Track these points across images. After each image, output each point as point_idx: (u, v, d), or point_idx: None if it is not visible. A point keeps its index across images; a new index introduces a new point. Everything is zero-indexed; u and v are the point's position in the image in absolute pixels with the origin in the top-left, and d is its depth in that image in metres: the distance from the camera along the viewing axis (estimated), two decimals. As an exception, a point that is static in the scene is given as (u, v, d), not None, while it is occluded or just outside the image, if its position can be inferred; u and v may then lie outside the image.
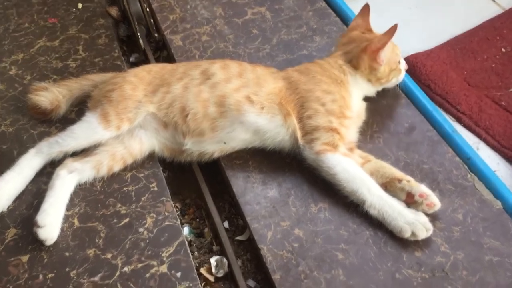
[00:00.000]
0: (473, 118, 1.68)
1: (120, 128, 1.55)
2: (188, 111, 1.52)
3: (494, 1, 2.10)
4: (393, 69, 1.59)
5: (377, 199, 1.38)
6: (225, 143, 1.54)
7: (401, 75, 1.64)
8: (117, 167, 1.56)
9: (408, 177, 1.42)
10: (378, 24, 1.95)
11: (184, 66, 1.65)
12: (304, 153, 1.49)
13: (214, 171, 1.66)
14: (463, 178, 1.48)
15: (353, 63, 1.58)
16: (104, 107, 1.56)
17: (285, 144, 1.54)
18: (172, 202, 1.53)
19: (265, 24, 2.01)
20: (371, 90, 1.65)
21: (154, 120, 1.57)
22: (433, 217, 1.40)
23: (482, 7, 2.09)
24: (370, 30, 1.65)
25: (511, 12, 2.01)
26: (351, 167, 1.43)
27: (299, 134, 1.49)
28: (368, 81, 1.60)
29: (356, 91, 1.60)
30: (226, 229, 1.54)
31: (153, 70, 1.66)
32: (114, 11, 2.25)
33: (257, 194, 1.50)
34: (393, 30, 1.49)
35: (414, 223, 1.34)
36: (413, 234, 1.34)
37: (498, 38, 1.92)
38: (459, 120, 1.70)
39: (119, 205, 1.51)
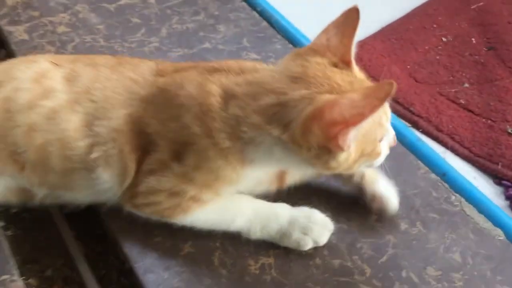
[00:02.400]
0: (432, 121, 1.33)
1: None
2: (23, 160, 0.94)
3: (421, -16, 1.81)
4: (366, 153, 0.88)
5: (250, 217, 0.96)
6: None
7: (379, 159, 0.93)
8: None
9: None
10: (294, 11, 1.56)
11: (10, 63, 1.05)
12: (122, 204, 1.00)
13: (88, 220, 1.09)
14: (446, 202, 1.09)
15: (289, 127, 0.83)
16: None
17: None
18: (21, 281, 0.94)
19: (148, 10, 1.49)
20: (301, 168, 0.99)
21: None
22: (425, 262, 0.98)
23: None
24: (347, 63, 0.88)
25: (441, -3, 1.74)
26: (216, 214, 0.97)
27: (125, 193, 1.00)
28: (306, 162, 0.89)
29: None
30: (117, 313, 0.98)
31: None
32: None
33: (163, 253, 0.97)
34: (383, 91, 0.76)
35: (309, 226, 0.96)
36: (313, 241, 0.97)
37: (435, 26, 1.62)
38: (415, 125, 1.34)
39: None
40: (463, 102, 1.38)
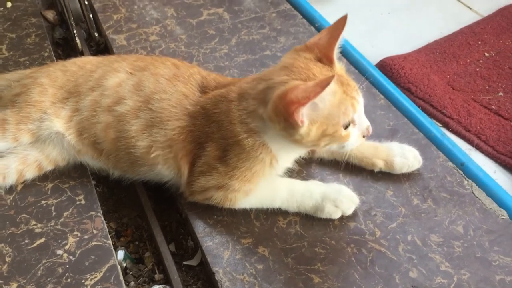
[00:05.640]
0: (462, 122, 1.46)
1: (18, 140, 1.24)
2: (100, 148, 1.22)
3: (471, 8, 1.96)
4: (328, 133, 1.03)
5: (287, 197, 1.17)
6: None
7: (349, 144, 1.07)
8: (30, 173, 1.24)
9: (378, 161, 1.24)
10: (346, 28, 1.75)
11: (104, 67, 1.28)
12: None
13: (159, 187, 1.35)
14: (459, 185, 1.24)
15: (267, 104, 1.03)
16: (5, 112, 1.24)
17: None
18: (102, 218, 1.21)
19: (223, 24, 1.77)
20: (296, 149, 1.16)
21: (64, 141, 1.24)
22: (430, 230, 1.14)
23: (458, 14, 1.94)
24: (330, 60, 1.06)
25: (490, 18, 1.86)
26: (258, 199, 1.18)
27: (185, 188, 1.20)
28: (282, 137, 1.07)
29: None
30: (172, 253, 1.22)
31: (70, 69, 1.30)
32: (50, 14, 1.98)
33: (210, 206, 1.20)
34: (326, 81, 0.94)
35: (340, 199, 1.15)
36: (342, 212, 1.17)
37: (479, 42, 1.75)
38: (446, 125, 1.48)
39: (34, 222, 1.18)
40: (494, 108, 1.49)
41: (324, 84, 0.93)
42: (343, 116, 1.02)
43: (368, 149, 1.25)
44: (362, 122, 1.07)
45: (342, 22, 1.06)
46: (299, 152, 1.21)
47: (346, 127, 1.04)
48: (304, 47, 1.09)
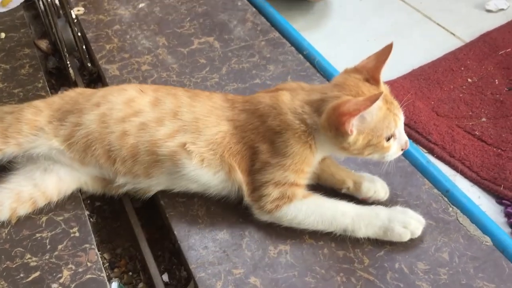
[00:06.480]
0: (447, 148, 1.50)
1: (1, 151, 1.25)
2: (115, 156, 1.24)
3: (454, 35, 2.01)
4: (372, 143, 1.15)
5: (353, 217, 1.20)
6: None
7: (389, 155, 1.19)
8: (23, 210, 1.26)
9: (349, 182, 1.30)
10: (333, 54, 1.82)
11: (105, 90, 1.35)
12: (253, 212, 1.24)
13: (152, 214, 1.38)
14: (444, 212, 1.27)
15: (322, 114, 1.16)
16: None
17: (233, 196, 1.27)
18: (96, 250, 1.23)
19: (214, 53, 1.82)
20: (338, 154, 1.29)
21: (64, 157, 1.27)
22: (416, 258, 1.17)
23: (442, 40, 2.00)
24: (376, 80, 1.19)
25: (473, 44, 1.92)
26: (316, 207, 1.21)
27: (245, 190, 1.23)
28: (332, 144, 1.19)
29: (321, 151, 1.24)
30: (166, 283, 1.25)
31: (68, 95, 1.35)
32: (43, 43, 2.02)
33: (203, 237, 1.23)
34: (375, 97, 1.07)
35: (407, 221, 1.19)
36: (411, 233, 1.20)
37: (462, 68, 1.80)
38: (431, 151, 1.52)
39: (28, 256, 1.20)
40: (478, 133, 1.54)
41: (373, 99, 1.07)
42: (386, 129, 1.15)
43: (342, 169, 1.33)
44: (402, 137, 1.19)
45: (388, 48, 1.20)
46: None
47: (388, 139, 1.16)
48: (354, 69, 1.23)
